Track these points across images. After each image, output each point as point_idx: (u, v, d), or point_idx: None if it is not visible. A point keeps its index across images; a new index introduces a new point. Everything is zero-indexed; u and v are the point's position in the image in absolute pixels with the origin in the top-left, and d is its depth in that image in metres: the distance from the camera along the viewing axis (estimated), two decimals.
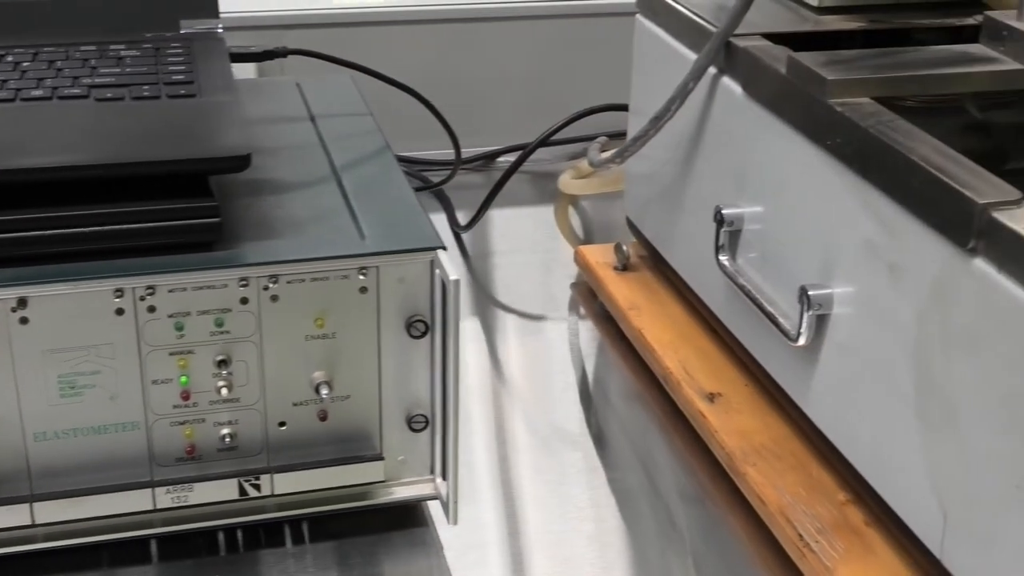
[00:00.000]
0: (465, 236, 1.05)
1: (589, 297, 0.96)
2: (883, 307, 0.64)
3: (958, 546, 0.60)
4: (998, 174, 0.59)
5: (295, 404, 0.66)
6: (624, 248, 0.93)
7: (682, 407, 0.80)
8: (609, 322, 0.92)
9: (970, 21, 0.78)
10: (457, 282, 0.63)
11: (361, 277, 0.65)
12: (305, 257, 0.64)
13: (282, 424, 0.67)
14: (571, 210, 1.09)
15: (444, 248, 0.65)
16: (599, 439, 0.81)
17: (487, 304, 0.97)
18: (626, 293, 0.90)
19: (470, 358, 0.89)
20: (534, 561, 0.70)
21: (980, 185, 0.57)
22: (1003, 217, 0.55)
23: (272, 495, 0.67)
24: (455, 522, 0.68)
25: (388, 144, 0.78)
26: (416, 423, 0.68)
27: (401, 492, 0.69)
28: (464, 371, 0.87)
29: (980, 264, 0.56)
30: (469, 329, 0.93)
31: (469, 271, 1.01)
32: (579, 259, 0.97)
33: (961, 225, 0.57)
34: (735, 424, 0.76)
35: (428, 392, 0.68)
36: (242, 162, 0.63)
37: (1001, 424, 0.56)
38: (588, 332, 0.93)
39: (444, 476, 0.68)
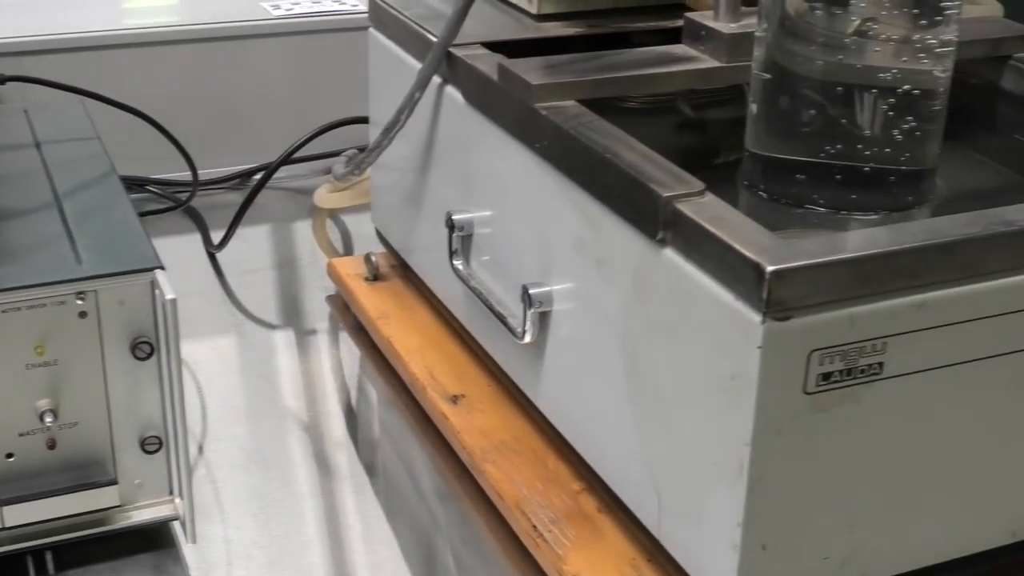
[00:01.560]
0: (221, 255, 1.04)
1: (345, 309, 0.97)
2: (594, 301, 0.66)
3: (672, 524, 0.62)
4: (708, 168, 0.62)
5: (21, 434, 0.66)
6: (373, 259, 0.94)
7: (427, 411, 0.82)
8: (364, 333, 0.93)
9: (682, 23, 0.82)
10: (174, 301, 0.63)
11: (79, 302, 0.64)
12: (17, 285, 0.63)
13: (9, 456, 0.66)
14: (331, 224, 1.10)
15: (162, 268, 0.65)
16: (360, 447, 0.83)
17: (243, 321, 0.97)
18: (376, 303, 0.91)
19: (226, 376, 0.89)
20: (288, 572, 0.71)
21: (665, 179, 0.60)
22: (686, 208, 0.58)
23: (4, 528, 0.66)
24: (194, 540, 0.68)
25: (113, 168, 0.77)
26: (149, 445, 0.68)
27: (139, 515, 0.69)
28: (219, 390, 0.87)
29: (669, 254, 0.59)
30: (225, 347, 0.93)
31: (225, 289, 1.01)
32: (331, 272, 0.97)
33: (650, 218, 0.60)
34: (477, 423, 0.78)
35: (160, 413, 0.68)
36: None
37: (697, 405, 0.59)
38: (345, 343, 0.94)
39: (182, 495, 0.68)
